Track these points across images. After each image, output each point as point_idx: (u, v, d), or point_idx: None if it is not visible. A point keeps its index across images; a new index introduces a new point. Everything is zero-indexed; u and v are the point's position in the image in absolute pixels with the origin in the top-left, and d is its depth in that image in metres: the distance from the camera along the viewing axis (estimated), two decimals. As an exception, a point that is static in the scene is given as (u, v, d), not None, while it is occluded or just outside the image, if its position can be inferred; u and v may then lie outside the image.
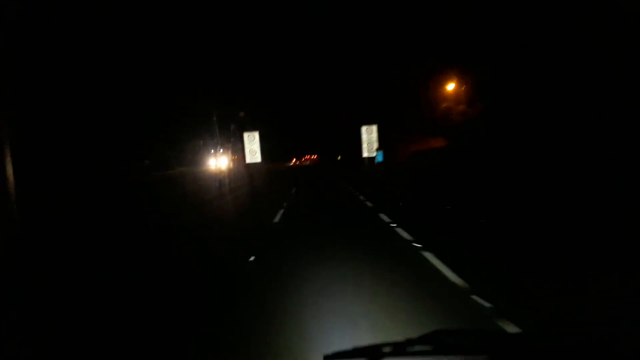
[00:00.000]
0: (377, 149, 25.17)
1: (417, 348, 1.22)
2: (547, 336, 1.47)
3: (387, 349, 1.22)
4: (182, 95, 18.10)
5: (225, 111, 23.52)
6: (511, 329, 2.99)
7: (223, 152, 23.48)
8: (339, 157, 54.75)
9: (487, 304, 3.52)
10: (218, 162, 22.80)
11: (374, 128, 26.69)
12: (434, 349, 1.22)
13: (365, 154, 26.83)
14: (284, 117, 54.12)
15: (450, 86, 22.22)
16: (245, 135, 26.93)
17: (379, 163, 24.29)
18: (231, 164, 25.14)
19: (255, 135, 26.99)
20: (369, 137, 26.70)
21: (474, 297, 3.70)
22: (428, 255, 5.24)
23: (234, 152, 26.24)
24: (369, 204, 11.39)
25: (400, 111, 27.23)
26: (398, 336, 1.35)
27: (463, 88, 21.50)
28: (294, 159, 74.91)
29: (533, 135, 12.36)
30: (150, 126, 16.93)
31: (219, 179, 20.05)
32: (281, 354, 2.89)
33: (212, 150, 23.03)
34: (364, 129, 26.77)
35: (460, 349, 1.26)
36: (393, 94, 27.47)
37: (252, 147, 26.84)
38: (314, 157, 74.42)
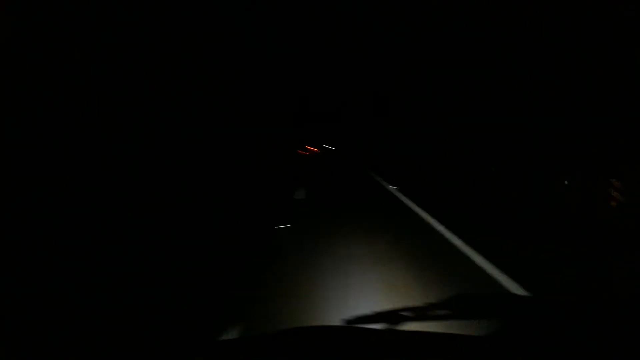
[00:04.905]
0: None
1: (436, 312, 1.28)
2: (555, 302, 1.63)
3: (407, 313, 1.23)
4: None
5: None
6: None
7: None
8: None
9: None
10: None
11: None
12: (451, 313, 1.34)
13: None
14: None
15: None
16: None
17: None
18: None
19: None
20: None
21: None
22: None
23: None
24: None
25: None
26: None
27: None
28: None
29: None
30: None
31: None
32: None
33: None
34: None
35: (476, 313, 1.40)
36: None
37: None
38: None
